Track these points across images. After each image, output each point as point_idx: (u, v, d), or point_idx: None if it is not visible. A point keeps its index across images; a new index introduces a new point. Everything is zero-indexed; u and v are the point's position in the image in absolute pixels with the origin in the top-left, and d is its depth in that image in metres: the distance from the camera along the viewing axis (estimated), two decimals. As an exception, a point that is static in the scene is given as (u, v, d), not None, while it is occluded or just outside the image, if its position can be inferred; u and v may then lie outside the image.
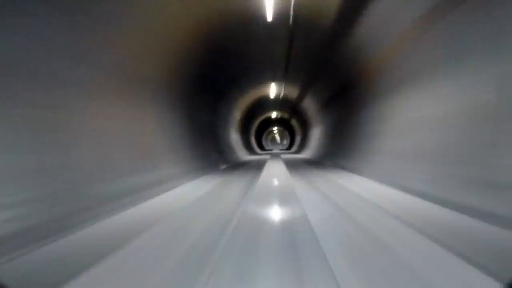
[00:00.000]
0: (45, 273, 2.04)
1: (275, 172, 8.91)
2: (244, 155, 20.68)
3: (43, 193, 2.82)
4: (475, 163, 2.98)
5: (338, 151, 11.00)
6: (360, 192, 4.93)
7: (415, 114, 4.93)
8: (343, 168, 8.85)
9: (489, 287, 1.70)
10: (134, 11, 4.48)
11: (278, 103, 22.37)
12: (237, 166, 12.46)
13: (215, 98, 13.22)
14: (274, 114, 30.12)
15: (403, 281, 1.83)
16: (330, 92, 13.27)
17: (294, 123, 32.05)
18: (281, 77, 14.40)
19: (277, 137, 55.53)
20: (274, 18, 7.37)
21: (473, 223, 2.75)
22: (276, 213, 3.68)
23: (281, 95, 19.18)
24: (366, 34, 6.26)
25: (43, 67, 3.03)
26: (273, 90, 16.86)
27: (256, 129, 34.00)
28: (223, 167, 11.88)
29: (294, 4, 6.81)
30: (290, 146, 39.77)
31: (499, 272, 1.82)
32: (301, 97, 18.55)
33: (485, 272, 1.87)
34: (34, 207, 2.67)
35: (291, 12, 7.08)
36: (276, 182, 6.78)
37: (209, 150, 11.96)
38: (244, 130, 25.68)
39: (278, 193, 5.26)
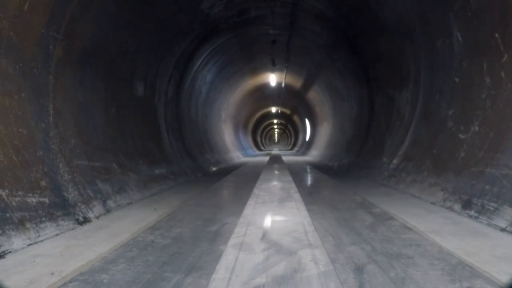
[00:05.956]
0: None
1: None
2: (235, 158, 16.13)
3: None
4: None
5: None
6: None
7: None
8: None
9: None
10: None
11: (281, 93, 18.43)
12: (214, 178, 7.75)
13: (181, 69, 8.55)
14: (274, 109, 26.16)
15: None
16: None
17: (296, 118, 28.06)
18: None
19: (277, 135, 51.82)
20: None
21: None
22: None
23: (283, 83, 16.59)
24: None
25: None
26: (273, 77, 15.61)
27: (253, 125, 30.12)
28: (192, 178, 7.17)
29: None
30: (293, 146, 35.85)
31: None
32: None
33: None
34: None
35: None
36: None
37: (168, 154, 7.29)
38: (238, 126, 21.43)
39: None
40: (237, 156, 17.57)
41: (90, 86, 4.68)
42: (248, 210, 4.07)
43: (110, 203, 4.21)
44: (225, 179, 7.87)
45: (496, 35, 3.85)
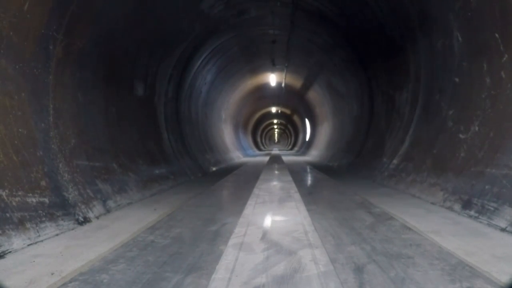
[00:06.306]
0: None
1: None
2: (235, 158, 16.14)
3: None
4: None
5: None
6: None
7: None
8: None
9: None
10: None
11: (281, 93, 18.42)
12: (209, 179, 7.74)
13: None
14: (274, 109, 26.16)
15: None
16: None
17: (296, 118, 28.05)
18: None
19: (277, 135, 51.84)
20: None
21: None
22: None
23: (283, 83, 16.59)
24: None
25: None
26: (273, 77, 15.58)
27: (253, 125, 30.10)
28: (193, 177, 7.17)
29: None
30: (293, 146, 35.86)
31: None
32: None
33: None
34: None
35: None
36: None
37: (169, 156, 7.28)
38: (238, 126, 21.42)
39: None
40: (237, 156, 17.57)
41: (90, 86, 4.68)
42: (248, 210, 4.07)
43: (110, 203, 4.21)
44: (225, 179, 7.88)
45: (496, 35, 3.85)
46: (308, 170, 10.70)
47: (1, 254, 2.43)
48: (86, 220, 3.52)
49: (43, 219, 3.02)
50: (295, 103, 22.75)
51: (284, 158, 17.05)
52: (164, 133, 7.70)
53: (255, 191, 5.64)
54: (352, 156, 10.10)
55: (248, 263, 2.27)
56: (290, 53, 11.67)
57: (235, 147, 19.09)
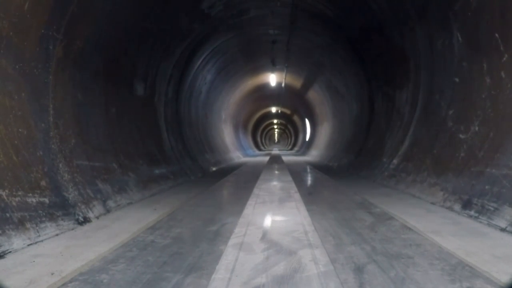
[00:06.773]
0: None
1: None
2: (235, 158, 16.14)
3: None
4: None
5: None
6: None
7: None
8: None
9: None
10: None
11: (281, 93, 18.44)
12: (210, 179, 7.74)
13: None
14: (274, 109, 26.16)
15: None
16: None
17: (296, 118, 28.04)
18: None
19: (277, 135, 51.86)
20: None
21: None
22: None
23: (283, 83, 16.54)
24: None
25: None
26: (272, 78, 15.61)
27: (253, 125, 30.09)
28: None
29: None
30: (293, 146, 35.86)
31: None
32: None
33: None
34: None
35: None
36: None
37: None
38: (238, 126, 21.41)
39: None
40: (237, 156, 17.57)
41: (90, 86, 4.68)
42: (248, 210, 4.07)
43: (110, 203, 4.21)
44: (225, 179, 7.87)
45: (496, 35, 3.85)
46: (308, 170, 10.70)
47: (1, 254, 2.43)
48: (86, 220, 3.51)
49: (43, 219, 3.02)
50: (295, 103, 22.75)
51: (284, 158, 17.04)
52: (164, 133, 7.70)
53: (255, 191, 5.63)
54: (352, 156, 10.10)
55: (248, 263, 2.27)
56: (290, 53, 11.66)
57: (235, 147, 19.09)
